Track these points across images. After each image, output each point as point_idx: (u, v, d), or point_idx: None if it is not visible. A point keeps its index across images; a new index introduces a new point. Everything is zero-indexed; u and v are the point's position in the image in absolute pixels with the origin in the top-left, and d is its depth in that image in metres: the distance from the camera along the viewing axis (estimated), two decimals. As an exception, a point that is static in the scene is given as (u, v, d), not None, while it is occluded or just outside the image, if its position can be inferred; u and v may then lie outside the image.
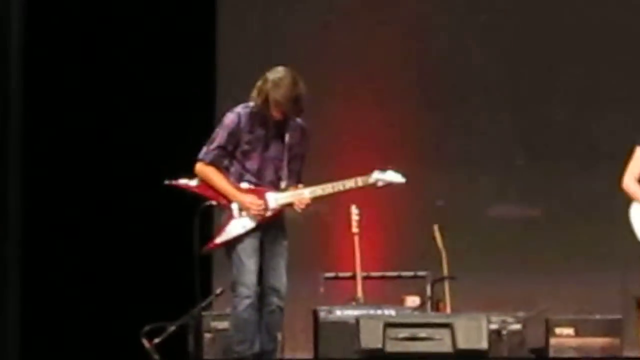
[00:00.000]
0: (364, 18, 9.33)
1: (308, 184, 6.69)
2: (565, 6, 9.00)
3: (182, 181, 6.66)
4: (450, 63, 9.34)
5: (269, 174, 6.56)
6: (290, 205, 6.50)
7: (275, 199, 6.48)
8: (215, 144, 6.50)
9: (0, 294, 8.63)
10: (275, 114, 6.40)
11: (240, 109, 6.55)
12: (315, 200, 6.63)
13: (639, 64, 8.95)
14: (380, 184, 6.64)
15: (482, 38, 9.25)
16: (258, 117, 6.49)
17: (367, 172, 6.69)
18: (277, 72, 6.46)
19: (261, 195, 6.45)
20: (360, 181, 6.64)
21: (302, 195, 6.51)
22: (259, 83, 6.45)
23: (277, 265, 6.44)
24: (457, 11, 9.29)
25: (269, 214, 6.42)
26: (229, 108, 6.69)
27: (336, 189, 6.64)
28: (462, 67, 9.24)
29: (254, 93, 6.46)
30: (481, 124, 9.37)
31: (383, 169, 6.72)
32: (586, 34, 9.05)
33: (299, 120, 6.56)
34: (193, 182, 6.62)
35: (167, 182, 6.66)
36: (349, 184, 6.65)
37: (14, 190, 8.69)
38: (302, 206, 6.51)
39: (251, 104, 6.45)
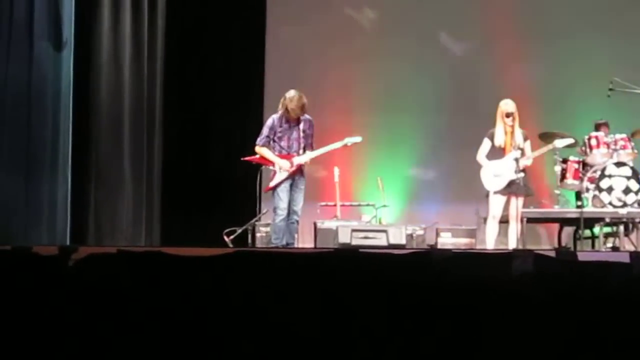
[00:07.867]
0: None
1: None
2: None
3: (250, 157, 8.72)
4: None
5: (294, 147, 8.42)
6: (304, 163, 8.44)
7: (297, 160, 8.45)
8: (263, 135, 8.47)
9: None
10: (292, 116, 8.36)
11: (274, 114, 8.47)
12: (314, 159, 8.52)
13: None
14: (349, 144, 8.59)
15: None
16: (284, 117, 8.42)
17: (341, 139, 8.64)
18: (290, 93, 8.32)
19: (289, 159, 8.36)
20: (338, 144, 8.60)
21: (308, 156, 8.48)
22: (282, 100, 8.33)
23: (298, 198, 8.49)
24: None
25: (293, 168, 8.39)
26: (271, 112, 8.69)
27: (325, 151, 8.59)
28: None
29: (280, 105, 8.39)
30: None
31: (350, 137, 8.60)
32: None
33: (307, 115, 8.40)
34: (256, 157, 8.62)
35: (243, 158, 8.67)
36: (333, 146, 8.57)
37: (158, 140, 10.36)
38: (308, 161, 8.52)
39: (280, 111, 8.42)
